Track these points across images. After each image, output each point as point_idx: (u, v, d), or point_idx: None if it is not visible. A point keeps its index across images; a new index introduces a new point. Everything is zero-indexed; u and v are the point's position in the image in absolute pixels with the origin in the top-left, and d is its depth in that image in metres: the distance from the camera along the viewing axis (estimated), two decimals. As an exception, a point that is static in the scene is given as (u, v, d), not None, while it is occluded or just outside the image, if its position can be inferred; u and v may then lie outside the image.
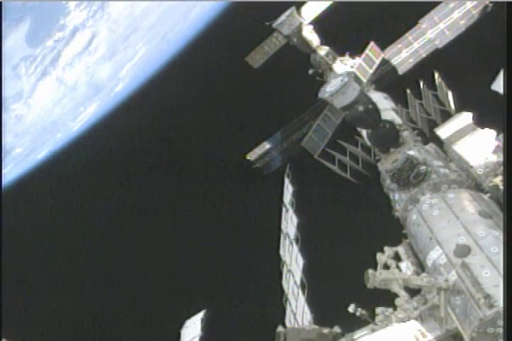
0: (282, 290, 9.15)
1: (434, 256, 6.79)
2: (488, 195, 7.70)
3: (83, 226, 42.08)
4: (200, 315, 9.25)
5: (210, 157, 35.28)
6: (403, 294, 6.52)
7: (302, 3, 12.23)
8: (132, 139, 46.36)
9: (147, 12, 71.19)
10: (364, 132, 9.81)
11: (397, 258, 7.97)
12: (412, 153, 8.61)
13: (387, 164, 8.78)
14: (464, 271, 6.06)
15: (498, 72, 7.32)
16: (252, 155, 13.71)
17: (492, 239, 6.39)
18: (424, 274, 6.66)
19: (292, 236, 9.42)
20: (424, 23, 11.86)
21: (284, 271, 9.35)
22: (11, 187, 62.26)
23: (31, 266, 40.11)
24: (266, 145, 13.64)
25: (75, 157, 58.73)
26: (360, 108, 8.32)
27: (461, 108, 9.78)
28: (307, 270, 8.69)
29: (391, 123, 9.15)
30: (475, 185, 7.94)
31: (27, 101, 74.14)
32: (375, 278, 6.45)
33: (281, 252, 9.68)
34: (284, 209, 10.18)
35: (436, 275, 6.45)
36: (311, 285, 8.51)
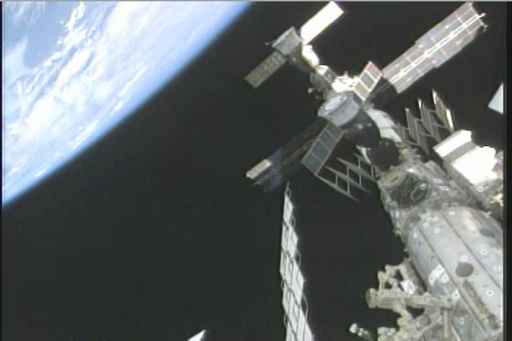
0: (283, 310, 9.01)
1: (436, 274, 6.72)
2: (489, 212, 7.67)
3: (82, 244, 41.77)
4: (200, 335, 9.10)
5: (210, 175, 35.29)
6: (406, 314, 6.40)
7: (302, 23, 12.46)
8: (133, 158, 46.45)
9: (147, 32, 72.16)
10: (364, 150, 9.85)
11: (398, 277, 7.88)
12: (411, 170, 8.62)
13: (387, 182, 8.77)
14: (466, 290, 5.97)
15: (495, 91, 7.38)
16: (252, 173, 13.72)
17: (494, 258, 6.33)
18: (426, 293, 6.56)
19: (292, 254, 9.32)
20: (421, 43, 12.08)
21: (285, 290, 9.22)
22: (8, 206, 62.02)
23: (30, 283, 39.69)
24: (266, 164, 13.67)
25: (75, 175, 58.75)
26: (360, 126, 8.37)
27: (459, 126, 9.84)
28: (308, 289, 8.58)
29: (390, 141, 9.19)
30: (475, 202, 7.91)
31: (24, 121, 74.19)
32: (377, 297, 6.34)
33: (282, 271, 9.56)
34: (284, 228, 10.10)
35: (438, 295, 6.37)
36: (312, 304, 8.39)
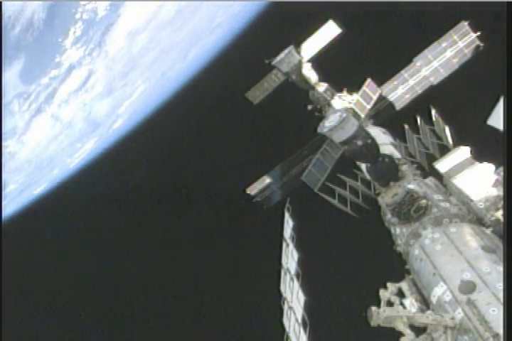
0: (283, 328, 8.88)
1: (439, 292, 6.64)
2: (490, 229, 7.63)
3: (81, 261, 41.40)
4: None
5: (209, 192, 35.26)
6: (408, 332, 6.31)
7: (301, 41, 12.65)
8: (132, 176, 46.44)
9: (146, 50, 72.80)
10: (363, 166, 9.86)
11: (400, 294, 7.78)
12: (411, 186, 8.62)
13: (387, 198, 8.76)
14: (470, 308, 5.90)
15: (493, 108, 7.44)
16: (252, 190, 13.69)
17: (497, 275, 6.27)
18: (429, 311, 6.46)
19: (293, 271, 9.22)
20: (418, 61, 12.25)
21: (285, 308, 9.10)
22: (6, 223, 61.63)
23: (29, 298, 39.27)
24: (266, 180, 13.65)
25: (73, 193, 58.59)
26: (359, 142, 8.41)
27: (458, 142, 9.89)
28: (309, 307, 8.48)
29: (390, 157, 9.21)
30: (476, 219, 7.88)
31: (20, 138, 73.92)
32: (379, 315, 6.25)
33: (282, 288, 9.44)
34: (284, 244, 10.02)
35: (441, 313, 6.28)
36: (313, 322, 8.28)
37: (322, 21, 12.82)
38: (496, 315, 5.72)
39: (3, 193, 69.28)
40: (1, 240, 43.50)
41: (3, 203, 68.23)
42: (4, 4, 55.21)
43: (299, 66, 12.29)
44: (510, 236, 5.75)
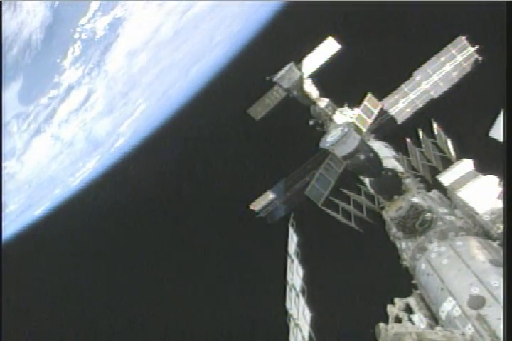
0: (290, 346, 8.72)
1: (448, 307, 6.53)
2: (497, 242, 7.55)
3: (82, 281, 41.06)
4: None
5: (212, 208, 35.18)
6: (418, 349, 6.18)
7: (301, 58, 12.79)
8: (135, 194, 46.42)
9: (146, 69, 73.40)
10: (367, 180, 9.84)
11: (408, 310, 7.65)
12: (416, 200, 8.57)
13: (391, 212, 8.71)
14: (480, 323, 5.79)
15: (495, 119, 7.45)
16: (255, 205, 13.65)
17: (506, 289, 6.17)
18: (438, 327, 6.34)
19: (298, 287, 9.11)
20: (418, 75, 12.35)
21: (291, 325, 8.95)
22: (6, 244, 61.35)
23: (29, 320, 38.88)
24: (269, 195, 13.62)
25: (76, 212, 58.49)
26: (362, 157, 8.40)
27: (460, 155, 9.88)
28: (315, 323, 8.34)
29: (393, 170, 9.19)
30: (482, 231, 7.81)
31: (20, 159, 73.87)
32: (387, 332, 6.12)
33: (288, 305, 9.31)
34: (289, 260, 9.93)
35: (451, 329, 6.16)
36: (320, 340, 8.14)
37: (322, 37, 12.99)
38: (507, 330, 5.60)
39: (3, 214, 68.90)
40: (1, 262, 43.33)
41: (4, 224, 67.88)
42: (3, 18, 55.62)
43: (299, 82, 12.39)
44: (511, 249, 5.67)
